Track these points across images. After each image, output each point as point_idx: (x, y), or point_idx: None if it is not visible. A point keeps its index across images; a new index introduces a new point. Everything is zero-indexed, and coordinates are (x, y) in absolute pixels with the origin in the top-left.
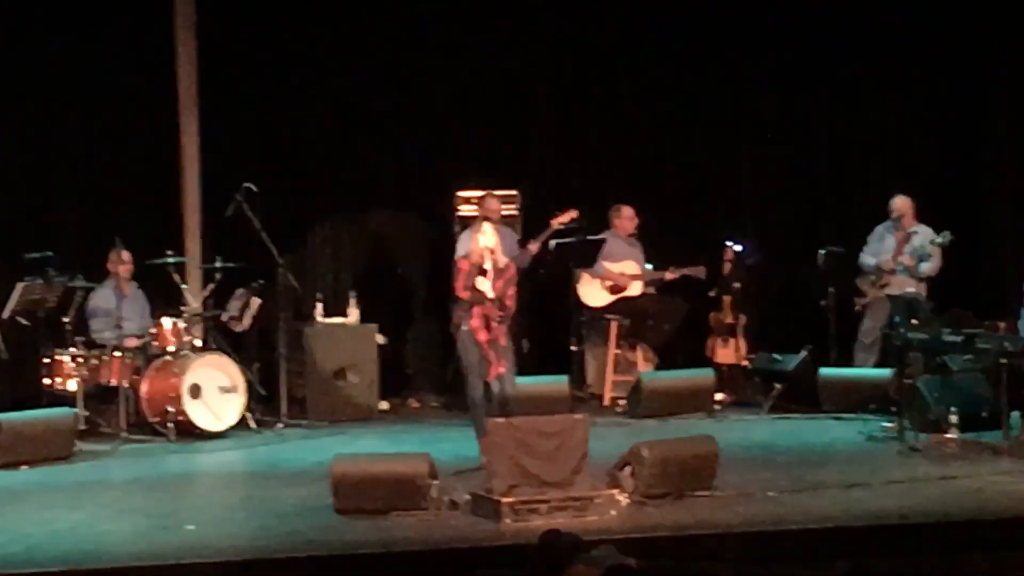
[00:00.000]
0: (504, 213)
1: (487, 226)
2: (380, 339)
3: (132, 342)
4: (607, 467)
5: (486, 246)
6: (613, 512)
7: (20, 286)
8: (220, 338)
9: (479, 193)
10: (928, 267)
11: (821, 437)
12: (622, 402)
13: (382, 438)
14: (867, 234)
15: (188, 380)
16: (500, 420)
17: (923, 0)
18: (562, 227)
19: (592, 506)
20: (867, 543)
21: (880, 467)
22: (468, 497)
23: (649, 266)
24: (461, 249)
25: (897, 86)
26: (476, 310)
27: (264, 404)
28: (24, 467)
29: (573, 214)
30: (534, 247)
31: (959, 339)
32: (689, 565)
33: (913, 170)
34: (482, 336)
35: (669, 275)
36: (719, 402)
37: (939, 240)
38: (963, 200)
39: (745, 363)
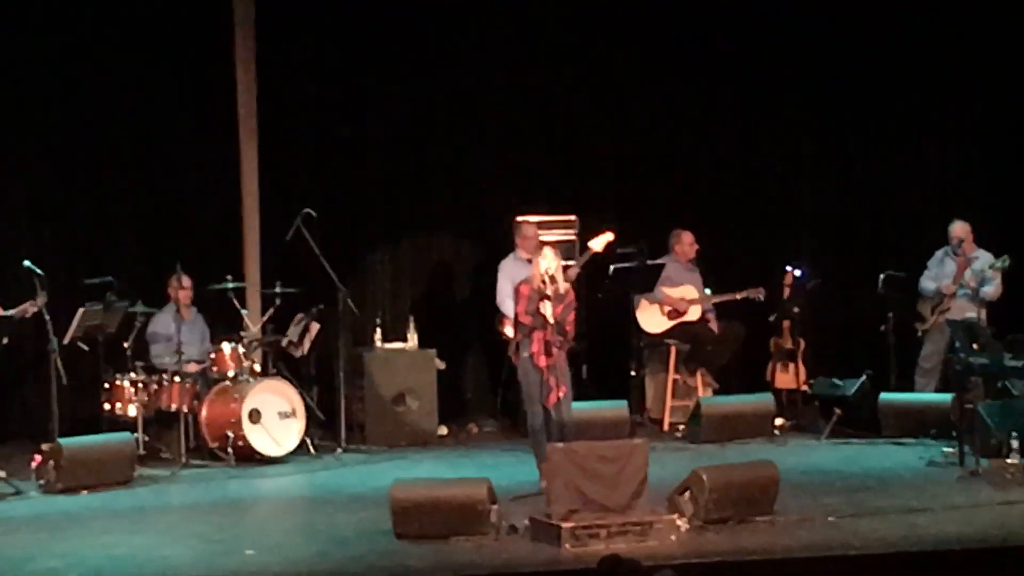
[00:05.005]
0: (563, 238)
1: (547, 250)
2: (439, 364)
3: (192, 367)
4: (667, 492)
5: (547, 270)
6: (673, 537)
7: (81, 311)
8: (279, 363)
9: (536, 219)
10: (989, 291)
11: (881, 462)
12: (681, 427)
13: (441, 463)
14: (927, 259)
15: (248, 405)
16: (560, 445)
17: (978, 24)
18: (600, 251)
19: (652, 531)
20: (928, 569)
21: (941, 492)
22: (528, 522)
23: (708, 291)
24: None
25: (956, 110)
26: (536, 335)
27: (323, 429)
28: (85, 492)
29: (609, 237)
30: (573, 272)
31: (1020, 364)
32: None
33: (973, 194)
34: (542, 361)
35: (728, 298)
36: (779, 427)
37: (999, 264)
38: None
39: (805, 388)
